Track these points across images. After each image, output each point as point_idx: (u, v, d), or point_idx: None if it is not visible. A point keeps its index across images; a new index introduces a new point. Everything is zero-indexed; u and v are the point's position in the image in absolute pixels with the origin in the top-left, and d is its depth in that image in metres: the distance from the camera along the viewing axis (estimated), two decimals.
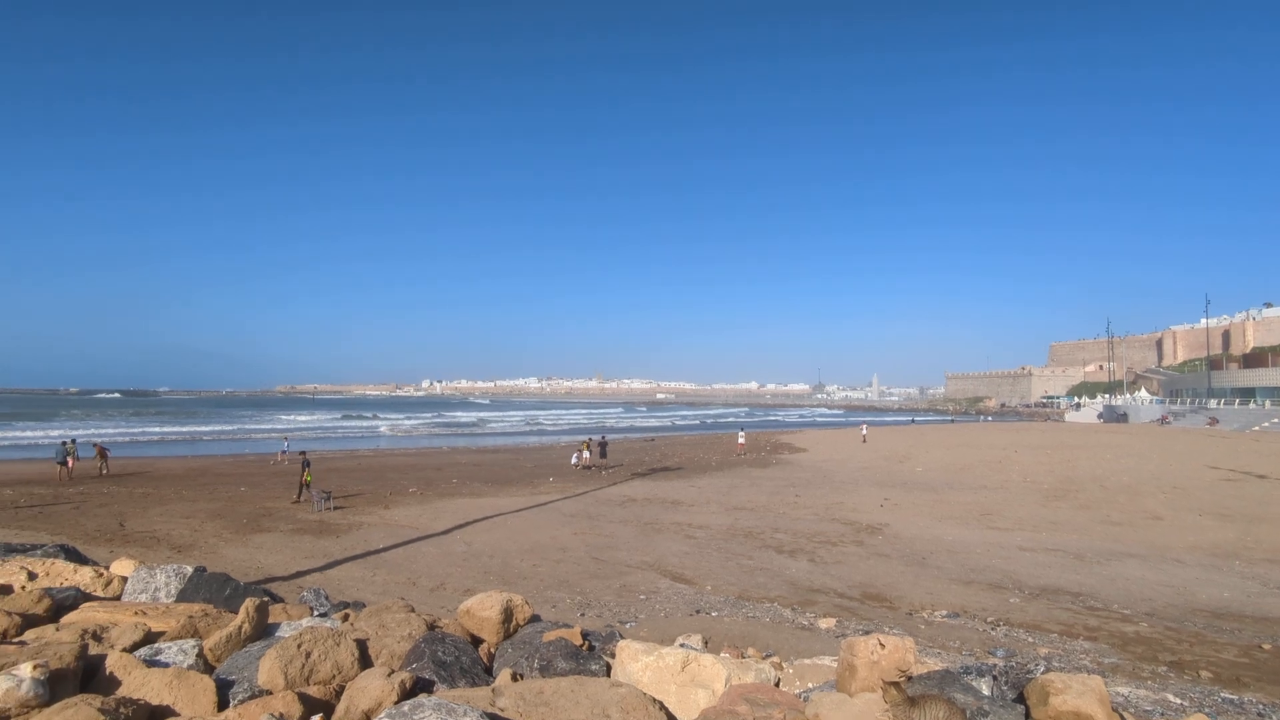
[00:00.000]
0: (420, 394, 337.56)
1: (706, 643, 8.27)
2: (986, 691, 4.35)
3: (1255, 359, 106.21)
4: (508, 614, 4.92)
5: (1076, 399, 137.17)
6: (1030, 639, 9.31)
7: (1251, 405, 77.77)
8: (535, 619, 5.32)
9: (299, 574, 12.69)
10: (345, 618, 5.34)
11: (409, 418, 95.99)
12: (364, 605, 6.67)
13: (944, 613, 10.58)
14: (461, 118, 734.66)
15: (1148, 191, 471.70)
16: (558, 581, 12.56)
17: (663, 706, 3.58)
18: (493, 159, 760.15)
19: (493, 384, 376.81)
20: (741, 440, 45.37)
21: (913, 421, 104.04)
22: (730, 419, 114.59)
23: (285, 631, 4.64)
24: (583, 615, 10.33)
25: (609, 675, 4.30)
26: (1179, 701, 6.90)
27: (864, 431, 55.33)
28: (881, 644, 3.71)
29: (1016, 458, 37.96)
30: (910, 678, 3.88)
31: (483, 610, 4.88)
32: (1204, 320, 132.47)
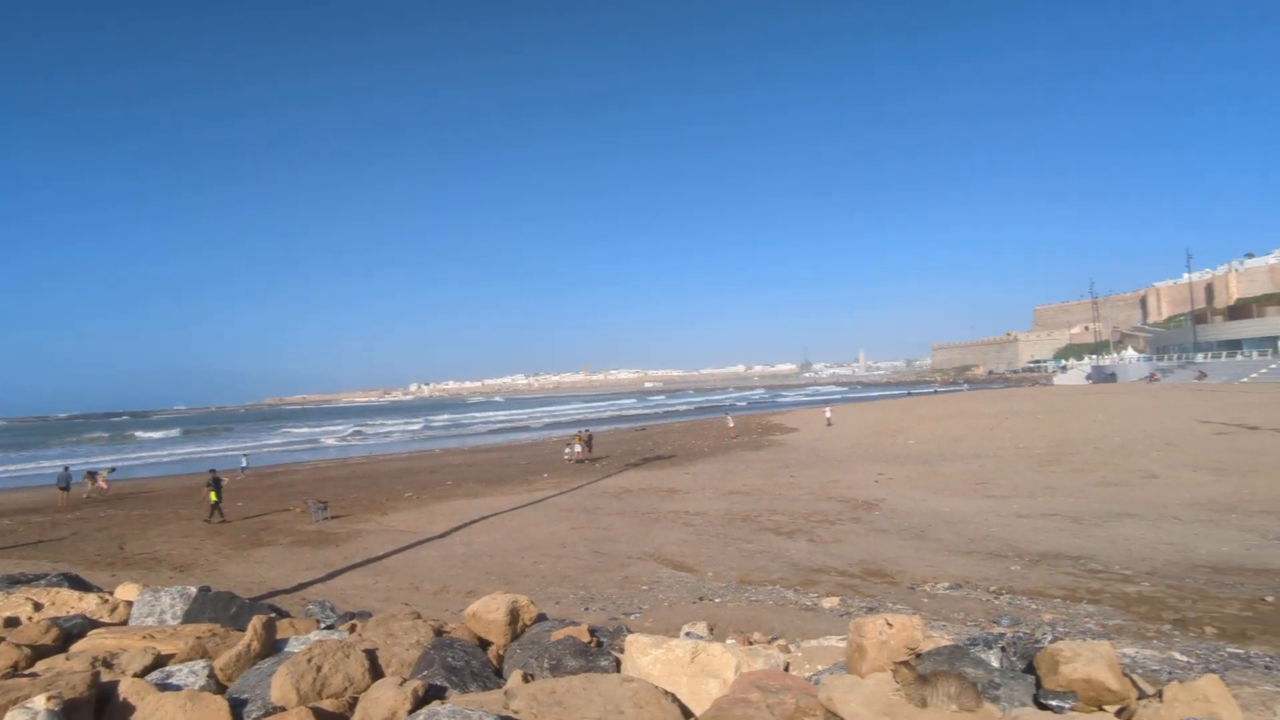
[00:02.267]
0: (409, 398, 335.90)
1: (712, 630, 8.30)
2: (995, 663, 4.38)
3: (1240, 311, 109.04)
4: (514, 615, 4.92)
5: (1063, 362, 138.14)
6: (1034, 605, 9.40)
7: (1239, 357, 78.79)
8: (542, 618, 5.32)
9: (302, 586, 12.65)
10: (352, 628, 5.32)
11: (423, 421, 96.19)
12: (370, 614, 6.66)
13: (946, 585, 10.68)
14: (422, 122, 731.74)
15: (1123, 153, 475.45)
16: (559, 577, 12.58)
17: (675, 699, 3.60)
18: (469, 166, 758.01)
19: (480, 383, 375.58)
20: (731, 424, 45.65)
21: (909, 394, 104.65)
22: (721, 403, 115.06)
23: (294, 647, 4.62)
24: (587, 610, 10.35)
25: (619, 670, 4.31)
26: (1185, 659, 6.99)
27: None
28: (889, 623, 3.73)
29: (1008, 424, 38.25)
30: (919, 655, 3.90)
31: (489, 613, 4.87)
32: (1186, 275, 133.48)
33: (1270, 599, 8.98)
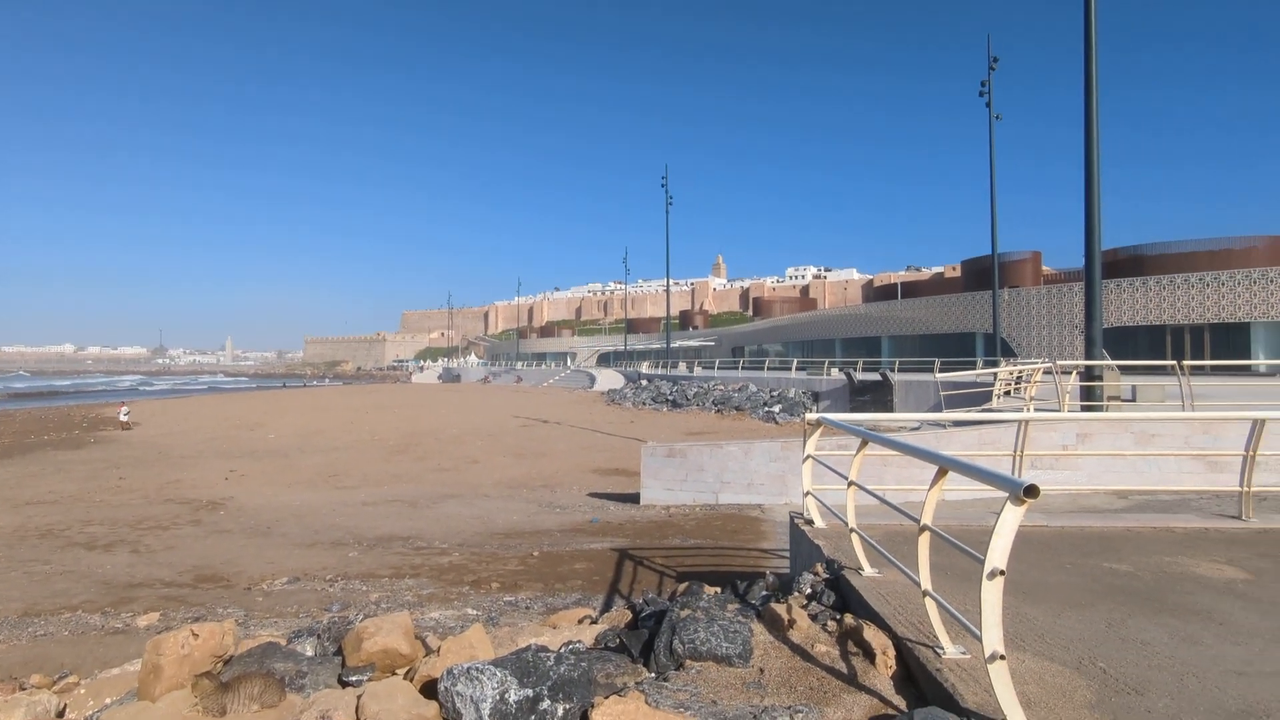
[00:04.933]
0: None
1: None
2: (310, 652, 4.64)
3: (548, 330, 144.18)
4: None
5: (422, 362, 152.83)
6: (365, 588, 10.15)
7: (543, 366, 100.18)
8: None
9: None
10: None
11: None
12: None
13: (285, 580, 10.65)
14: None
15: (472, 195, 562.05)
16: None
17: None
18: None
19: None
20: None
21: (285, 386, 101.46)
22: (62, 389, 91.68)
23: None
24: None
25: None
26: (475, 613, 8.56)
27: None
28: (195, 634, 3.62)
29: (367, 418, 40.25)
30: (229, 660, 3.88)
31: None
32: (517, 298, 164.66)
33: (536, 554, 11.71)
